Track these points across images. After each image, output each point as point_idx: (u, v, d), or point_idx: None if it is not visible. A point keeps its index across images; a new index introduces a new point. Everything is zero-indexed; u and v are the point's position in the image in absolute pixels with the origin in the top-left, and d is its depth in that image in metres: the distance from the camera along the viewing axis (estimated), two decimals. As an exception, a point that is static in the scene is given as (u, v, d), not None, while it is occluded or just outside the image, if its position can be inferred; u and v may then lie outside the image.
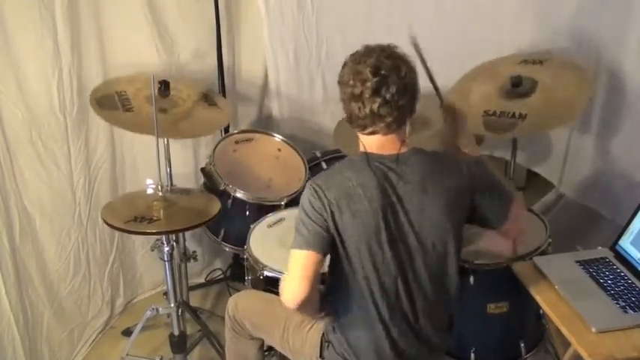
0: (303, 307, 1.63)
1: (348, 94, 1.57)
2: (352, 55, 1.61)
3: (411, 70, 1.59)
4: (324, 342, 1.76)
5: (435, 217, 1.62)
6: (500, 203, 1.72)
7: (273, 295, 2.09)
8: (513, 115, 2.30)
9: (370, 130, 1.60)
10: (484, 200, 1.69)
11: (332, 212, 1.59)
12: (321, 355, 1.77)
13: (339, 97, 1.63)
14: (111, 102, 2.41)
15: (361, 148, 1.66)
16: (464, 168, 1.68)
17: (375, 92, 1.54)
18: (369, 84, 1.54)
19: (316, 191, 1.60)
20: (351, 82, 1.56)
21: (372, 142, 1.64)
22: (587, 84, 2.35)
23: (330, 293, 1.75)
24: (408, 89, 1.58)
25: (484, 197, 1.69)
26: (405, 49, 1.64)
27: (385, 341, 1.67)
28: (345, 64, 1.61)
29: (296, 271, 1.61)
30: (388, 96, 1.54)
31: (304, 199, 1.63)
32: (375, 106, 1.55)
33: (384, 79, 1.54)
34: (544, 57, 2.48)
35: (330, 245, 1.62)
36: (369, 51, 1.58)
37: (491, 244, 2.05)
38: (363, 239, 1.60)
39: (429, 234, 1.63)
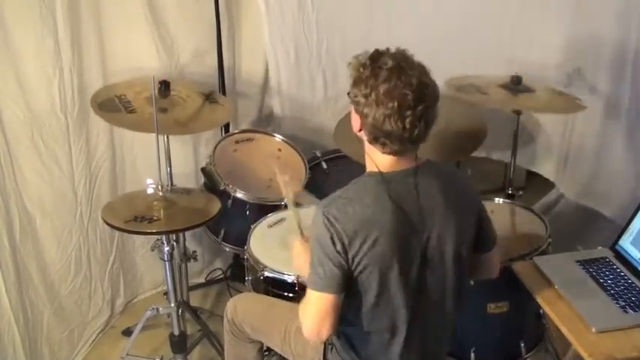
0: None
1: (385, 114, 1.44)
2: (376, 67, 1.46)
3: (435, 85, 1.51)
4: (328, 344, 1.73)
5: (456, 231, 1.57)
6: (490, 228, 1.72)
7: (272, 298, 2.09)
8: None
9: (397, 149, 1.51)
10: (483, 222, 1.69)
11: (348, 244, 1.49)
12: (324, 358, 1.75)
13: (356, 109, 1.51)
14: (112, 105, 2.42)
15: (370, 167, 1.57)
16: (473, 185, 1.69)
17: (419, 119, 1.46)
18: (409, 112, 1.44)
19: (331, 223, 1.49)
20: (391, 105, 1.43)
21: (386, 161, 1.54)
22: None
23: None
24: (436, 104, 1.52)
25: (483, 219, 1.69)
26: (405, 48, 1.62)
27: (396, 350, 1.62)
28: (364, 78, 1.47)
29: (314, 310, 1.55)
30: (428, 120, 1.48)
31: (318, 229, 1.52)
32: (417, 132, 1.47)
33: (426, 105, 1.46)
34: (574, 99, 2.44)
35: (348, 277, 1.54)
36: (399, 67, 1.45)
37: None
38: (385, 264, 1.52)
39: (450, 247, 1.57)
